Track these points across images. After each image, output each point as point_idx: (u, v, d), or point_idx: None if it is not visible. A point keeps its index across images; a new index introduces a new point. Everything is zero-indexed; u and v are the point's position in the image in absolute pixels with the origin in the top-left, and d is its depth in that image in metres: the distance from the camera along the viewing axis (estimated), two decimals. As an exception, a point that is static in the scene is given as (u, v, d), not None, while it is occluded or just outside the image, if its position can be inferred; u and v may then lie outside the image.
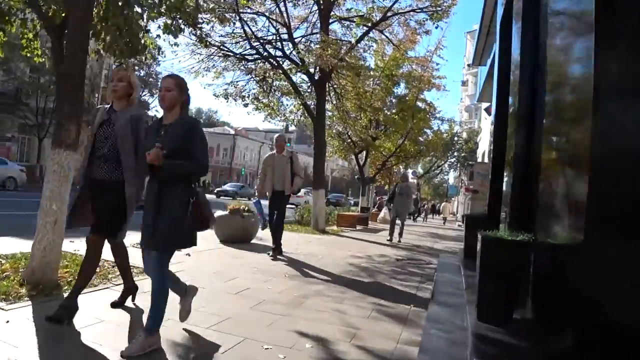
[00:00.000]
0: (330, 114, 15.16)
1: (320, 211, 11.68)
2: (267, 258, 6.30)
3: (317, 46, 10.52)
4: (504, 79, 5.09)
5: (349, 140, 17.81)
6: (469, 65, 45.98)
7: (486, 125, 19.31)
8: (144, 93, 35.43)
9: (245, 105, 12.12)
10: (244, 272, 5.21)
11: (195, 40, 7.99)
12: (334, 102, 13.97)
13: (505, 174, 4.51)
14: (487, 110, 15.05)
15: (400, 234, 10.83)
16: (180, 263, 5.16)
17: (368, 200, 21.30)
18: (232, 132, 57.96)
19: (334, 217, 14.39)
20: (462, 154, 38.84)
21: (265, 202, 6.89)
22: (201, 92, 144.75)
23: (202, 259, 5.62)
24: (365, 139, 17.16)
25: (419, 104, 17.82)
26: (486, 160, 17.86)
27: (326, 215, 12.81)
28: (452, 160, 42.28)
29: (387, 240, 10.45)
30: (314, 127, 11.99)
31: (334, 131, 17.69)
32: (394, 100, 18.03)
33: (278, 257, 6.47)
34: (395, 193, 10.64)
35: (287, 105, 13.43)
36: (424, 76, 17.21)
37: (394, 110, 18.62)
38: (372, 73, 16.21)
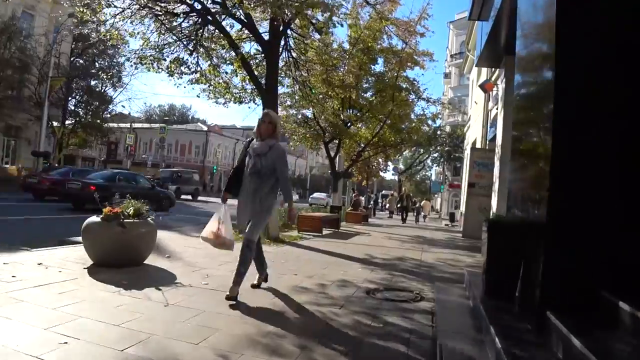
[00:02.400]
0: (289, 90, 12.21)
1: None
2: (144, 299, 3.42)
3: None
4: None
5: (317, 126, 14.83)
6: (452, 56, 43.72)
7: (477, 110, 16.70)
8: (106, 87, 31.43)
9: (170, 74, 9.08)
10: (76, 332, 2.39)
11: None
12: (294, 73, 10.88)
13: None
14: (482, 86, 12.40)
15: (261, 268, 4.53)
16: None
17: (341, 197, 18.35)
18: (205, 128, 54.75)
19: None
20: (446, 148, 36.41)
21: None
22: (174, 88, 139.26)
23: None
24: (336, 124, 14.20)
25: (401, 83, 15.00)
26: (478, 145, 15.23)
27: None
28: (435, 155, 39.88)
29: (252, 285, 4.48)
30: (262, 103, 9.06)
31: (299, 116, 14.81)
32: (370, 80, 15.09)
33: None
34: (245, 167, 4.07)
35: (229, 76, 10.30)
36: (404, 51, 14.57)
37: (370, 93, 15.84)
38: (345, 43, 13.42)
